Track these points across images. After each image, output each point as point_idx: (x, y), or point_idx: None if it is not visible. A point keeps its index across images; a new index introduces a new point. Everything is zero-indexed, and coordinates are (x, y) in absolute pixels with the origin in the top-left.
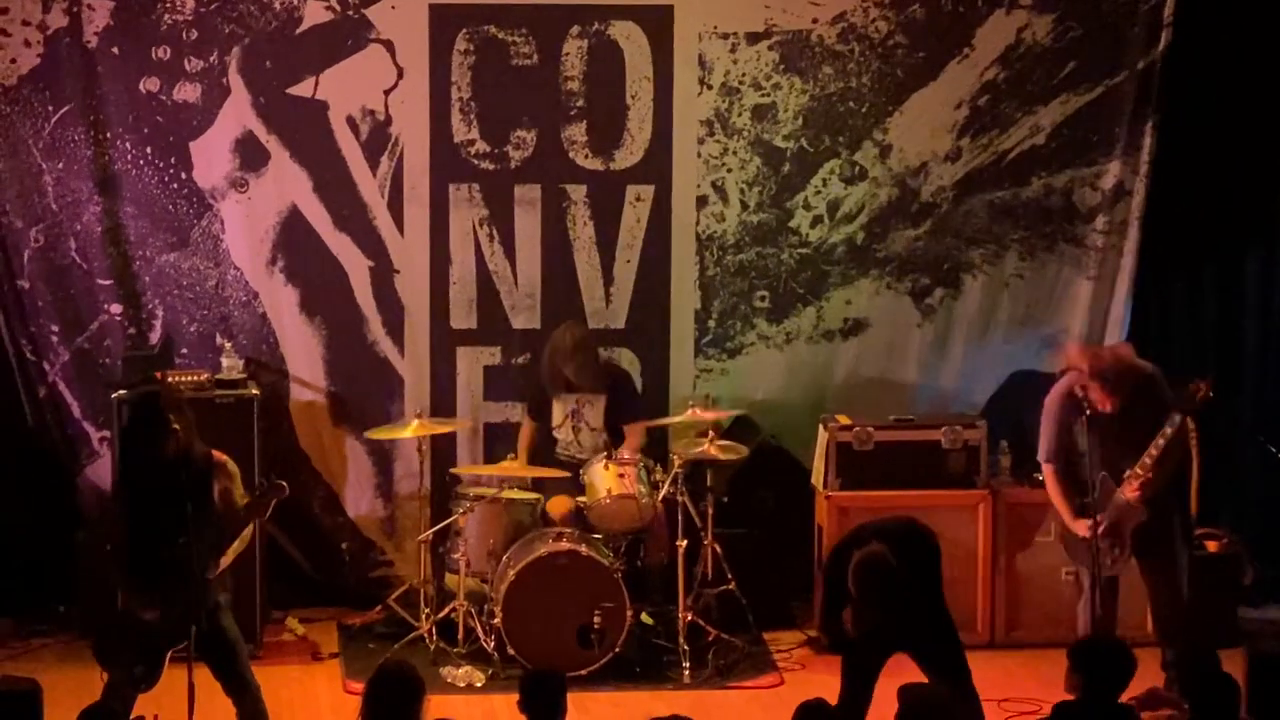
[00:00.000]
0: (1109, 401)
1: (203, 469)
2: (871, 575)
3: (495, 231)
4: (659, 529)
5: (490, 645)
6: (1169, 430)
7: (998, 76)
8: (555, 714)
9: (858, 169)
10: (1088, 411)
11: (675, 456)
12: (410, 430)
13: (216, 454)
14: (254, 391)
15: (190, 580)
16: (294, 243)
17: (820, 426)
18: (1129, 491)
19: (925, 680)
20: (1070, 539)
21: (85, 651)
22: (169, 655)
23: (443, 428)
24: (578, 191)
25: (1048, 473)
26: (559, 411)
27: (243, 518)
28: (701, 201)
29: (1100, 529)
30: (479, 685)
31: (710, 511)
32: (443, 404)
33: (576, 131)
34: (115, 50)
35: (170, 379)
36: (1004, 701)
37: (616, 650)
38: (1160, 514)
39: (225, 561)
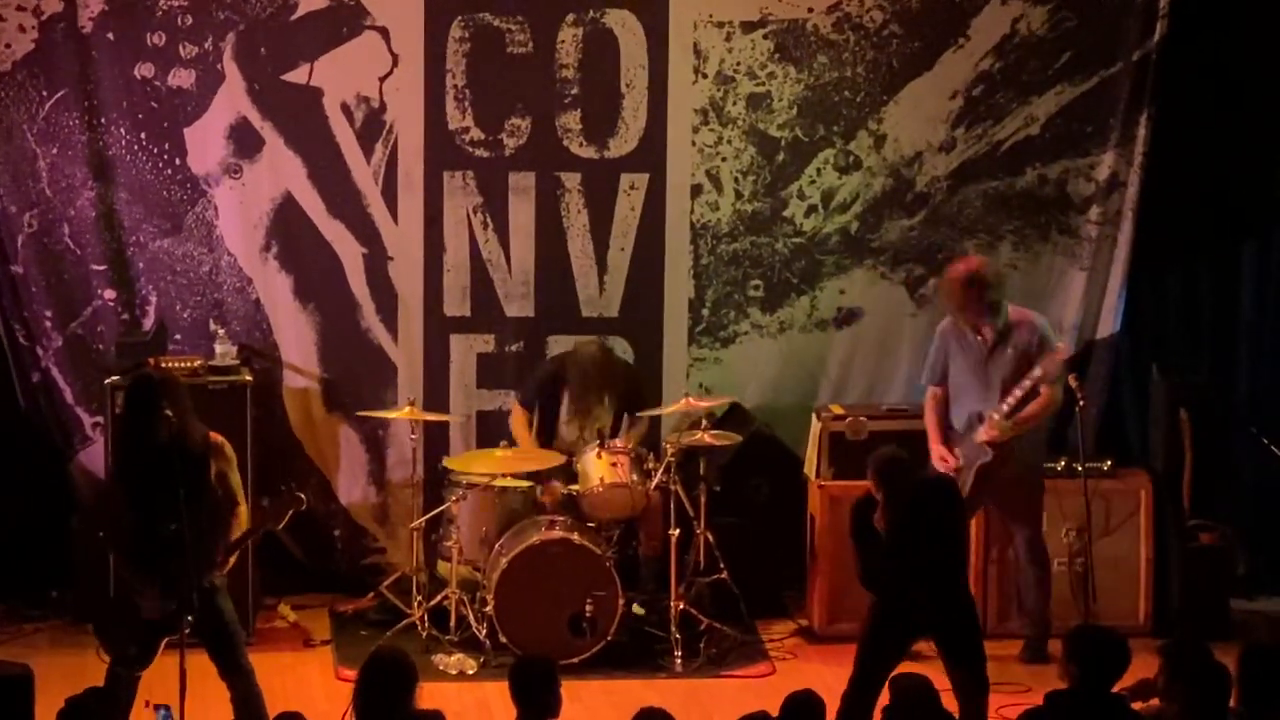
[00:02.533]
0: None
1: (198, 453)
2: (892, 465)
3: (489, 219)
4: (652, 518)
5: (482, 633)
6: (1037, 373)
7: (993, 67)
8: (546, 700)
9: (852, 158)
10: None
11: (668, 445)
12: (401, 413)
13: (214, 436)
14: (247, 378)
15: (185, 566)
16: (288, 229)
17: (813, 416)
18: (984, 432)
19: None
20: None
21: (78, 636)
22: (164, 642)
23: (434, 417)
24: (572, 179)
25: (927, 395)
26: (569, 406)
27: (256, 523)
28: (696, 190)
29: (958, 461)
30: (471, 673)
31: (703, 500)
32: (436, 391)
33: (571, 120)
34: (110, 36)
35: (163, 365)
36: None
37: (608, 639)
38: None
39: (233, 560)
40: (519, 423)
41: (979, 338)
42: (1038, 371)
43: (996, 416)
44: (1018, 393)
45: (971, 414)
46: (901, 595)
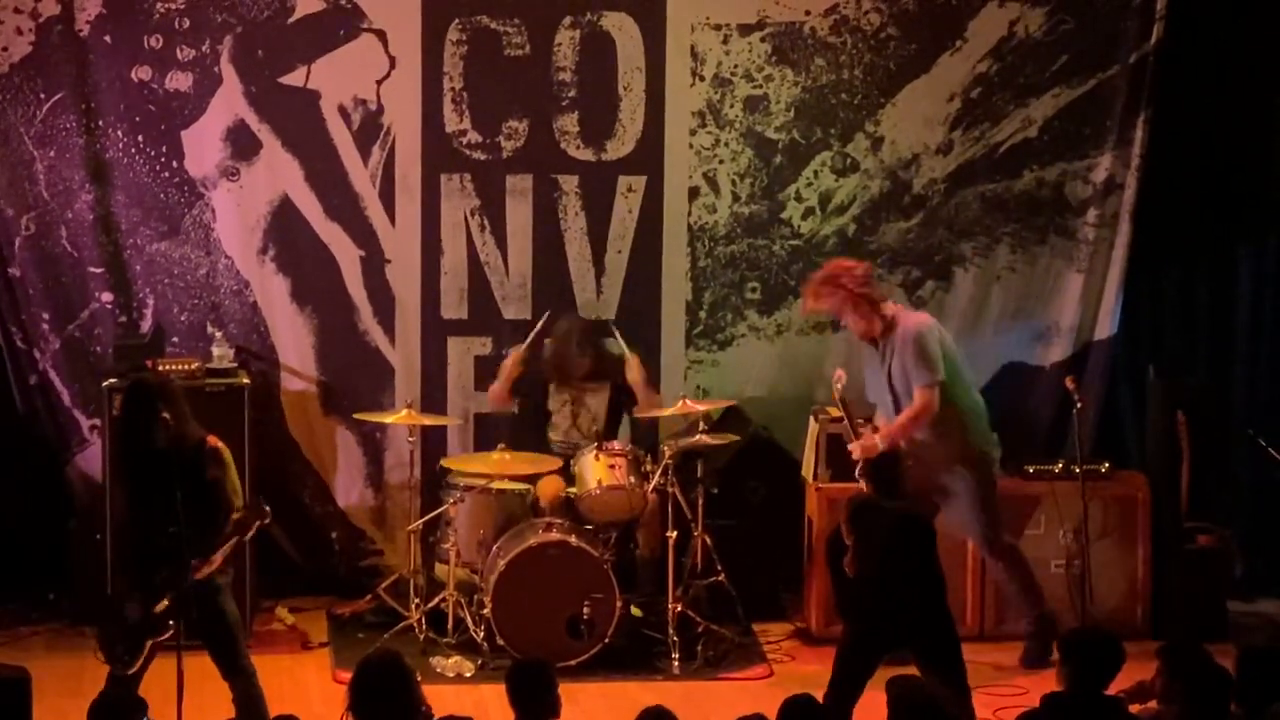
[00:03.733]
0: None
1: (194, 455)
2: (865, 512)
3: (487, 222)
4: (649, 520)
5: (480, 635)
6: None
7: (990, 69)
8: (543, 703)
9: (849, 161)
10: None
11: (665, 447)
12: (397, 417)
13: (211, 440)
14: (244, 380)
15: (182, 568)
16: (285, 232)
17: (811, 418)
18: (855, 449)
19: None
20: None
21: (75, 640)
22: (153, 641)
23: (432, 421)
24: (569, 182)
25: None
26: (558, 398)
27: (228, 532)
28: (693, 193)
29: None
30: (468, 675)
31: (700, 502)
32: (433, 394)
33: (568, 122)
34: (107, 38)
35: (161, 368)
36: (991, 692)
37: (606, 641)
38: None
39: (216, 561)
40: (506, 364)
41: (874, 347)
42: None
43: (865, 439)
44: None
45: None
46: (877, 620)
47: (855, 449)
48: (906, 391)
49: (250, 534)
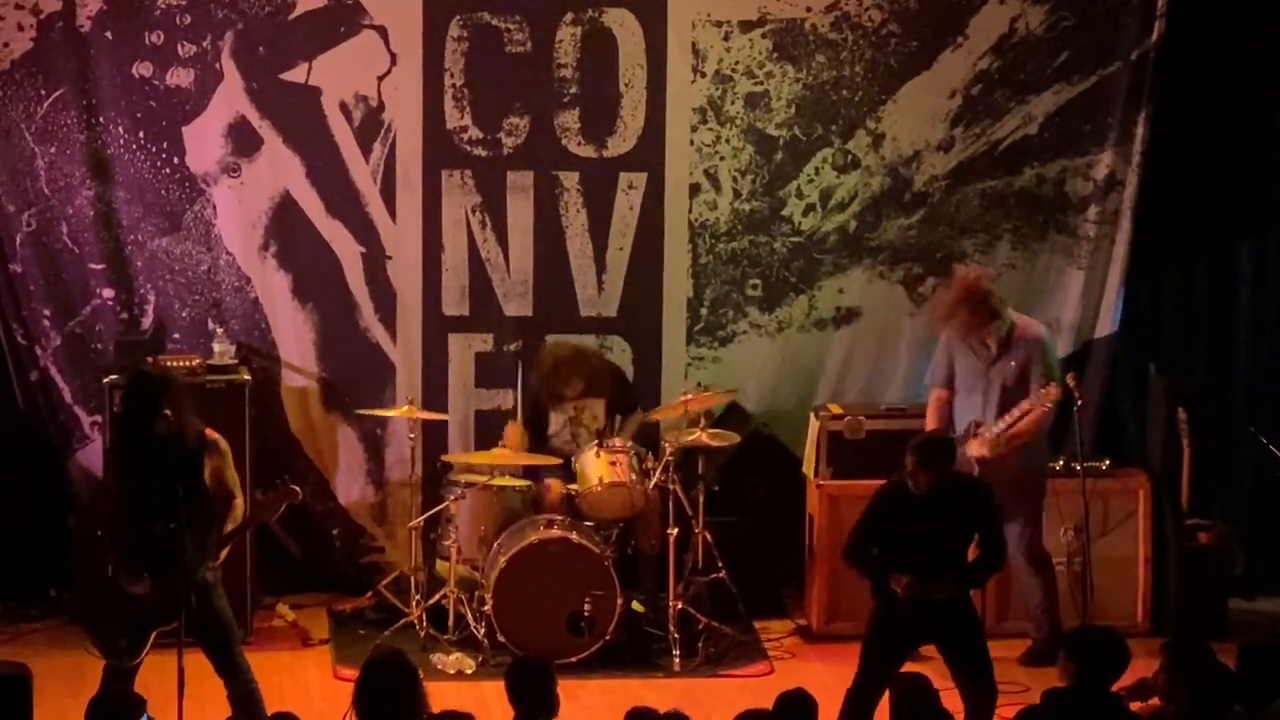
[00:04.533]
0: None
1: (194, 450)
2: (932, 444)
3: (488, 218)
4: (650, 517)
5: (480, 632)
6: (1028, 404)
7: (991, 66)
8: (542, 702)
9: (850, 158)
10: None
11: (666, 444)
12: (399, 410)
13: (209, 432)
14: (245, 377)
15: (181, 562)
16: (286, 228)
17: (812, 415)
18: (975, 447)
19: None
20: None
21: (76, 636)
22: (154, 635)
23: (432, 417)
24: (570, 179)
25: (931, 396)
26: (556, 421)
27: (250, 516)
28: (694, 189)
29: None
30: (469, 672)
31: (701, 500)
32: (434, 391)
33: (569, 119)
34: (108, 35)
35: (162, 364)
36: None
37: (607, 638)
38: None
39: (225, 553)
40: (513, 434)
41: (983, 346)
42: (1026, 405)
43: (989, 435)
44: (1009, 419)
45: (970, 422)
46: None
47: (974, 450)
48: (1017, 388)
49: (278, 514)
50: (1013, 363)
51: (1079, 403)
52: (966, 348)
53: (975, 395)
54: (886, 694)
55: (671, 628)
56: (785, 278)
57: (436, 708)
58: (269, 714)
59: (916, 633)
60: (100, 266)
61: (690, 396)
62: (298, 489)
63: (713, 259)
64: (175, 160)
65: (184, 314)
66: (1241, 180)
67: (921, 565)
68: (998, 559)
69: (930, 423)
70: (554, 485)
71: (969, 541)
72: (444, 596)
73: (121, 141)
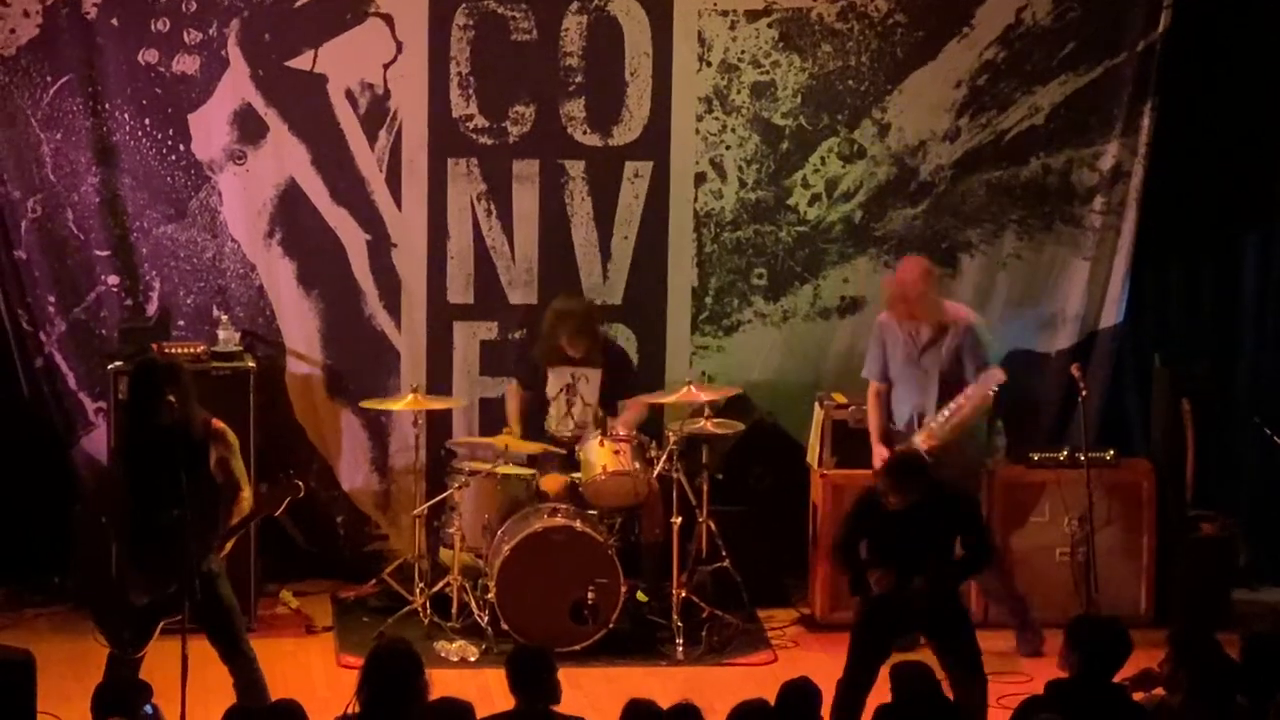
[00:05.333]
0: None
1: (199, 439)
2: (904, 464)
3: (493, 206)
4: (654, 505)
5: (484, 620)
6: (972, 390)
7: (997, 56)
8: (543, 689)
9: (856, 147)
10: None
11: (670, 433)
12: (404, 403)
13: (215, 422)
14: (250, 364)
15: (185, 551)
16: (291, 216)
17: (816, 404)
18: (921, 439)
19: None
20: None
21: (79, 622)
22: (161, 625)
23: (437, 404)
24: (576, 167)
25: (870, 390)
26: (554, 384)
27: (254, 509)
28: (700, 178)
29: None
30: (473, 660)
31: (705, 488)
32: (439, 378)
33: (575, 107)
34: (114, 21)
35: (167, 351)
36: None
37: (610, 626)
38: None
39: (229, 545)
40: (511, 407)
41: (911, 334)
42: (970, 391)
43: (934, 425)
44: (953, 407)
45: (913, 411)
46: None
47: (922, 442)
48: (951, 374)
49: (281, 509)
50: (943, 350)
51: (1083, 393)
52: (897, 338)
53: (910, 384)
54: (883, 683)
55: (675, 616)
56: (790, 267)
57: (438, 694)
58: (272, 700)
59: (903, 623)
60: (105, 253)
61: (693, 385)
62: (300, 484)
63: (718, 248)
64: (181, 147)
65: (189, 301)
66: (1247, 172)
67: (903, 568)
68: (981, 560)
69: (871, 417)
70: (555, 478)
71: (951, 545)
72: (448, 584)
73: (127, 128)
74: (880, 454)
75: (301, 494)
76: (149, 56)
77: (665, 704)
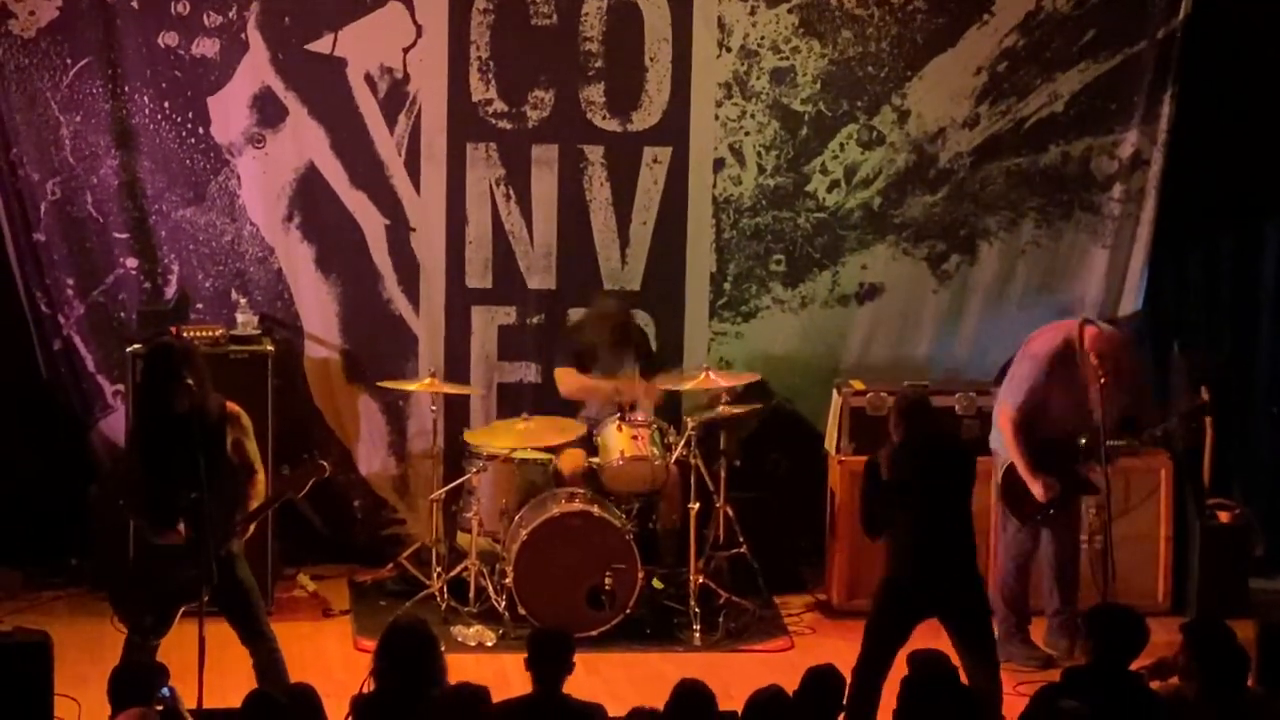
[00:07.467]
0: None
1: (215, 421)
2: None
3: (512, 191)
4: (671, 491)
5: (501, 605)
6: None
7: (1017, 43)
8: (560, 672)
9: (875, 134)
10: (1102, 379)
11: (689, 419)
12: (421, 385)
13: (230, 405)
14: (268, 348)
15: (203, 534)
16: (310, 199)
17: (834, 391)
18: (1095, 473)
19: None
20: (1014, 486)
21: (96, 605)
22: (181, 610)
23: (455, 389)
24: (595, 152)
25: (1012, 417)
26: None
27: (277, 491)
28: (719, 164)
29: (1055, 490)
30: (490, 644)
31: (723, 474)
32: (457, 363)
33: (594, 92)
34: (134, 4)
35: (185, 334)
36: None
37: (627, 611)
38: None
39: (251, 528)
40: (569, 378)
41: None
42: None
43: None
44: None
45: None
46: (912, 572)
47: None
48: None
49: (304, 490)
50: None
51: (1102, 380)
52: (1071, 378)
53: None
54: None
55: (692, 602)
56: (809, 253)
57: (455, 679)
58: (290, 683)
59: (920, 609)
60: (124, 236)
61: (711, 370)
62: (325, 464)
63: (737, 234)
64: (200, 130)
65: (207, 284)
66: (1266, 159)
67: (929, 516)
68: None
69: (1015, 446)
70: (575, 454)
71: (968, 490)
72: (465, 569)
73: (146, 111)
74: (1038, 488)
75: (326, 474)
76: (169, 39)
77: None
